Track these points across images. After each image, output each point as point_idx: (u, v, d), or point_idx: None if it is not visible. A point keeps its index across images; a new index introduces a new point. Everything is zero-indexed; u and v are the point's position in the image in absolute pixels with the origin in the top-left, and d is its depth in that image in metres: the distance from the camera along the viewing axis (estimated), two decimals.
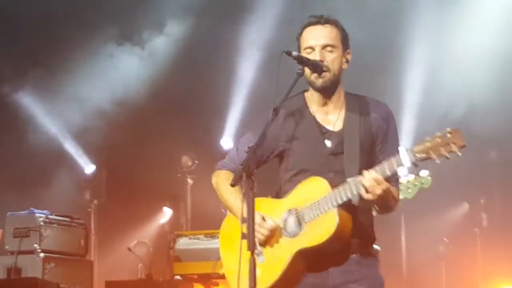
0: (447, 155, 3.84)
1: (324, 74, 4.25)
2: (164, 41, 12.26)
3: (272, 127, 4.30)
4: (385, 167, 3.98)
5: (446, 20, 11.20)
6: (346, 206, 4.10)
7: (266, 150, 4.41)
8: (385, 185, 3.99)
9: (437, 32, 11.21)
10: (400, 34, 11.21)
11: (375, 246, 4.43)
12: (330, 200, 4.09)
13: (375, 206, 4.16)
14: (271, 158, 4.47)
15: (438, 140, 3.85)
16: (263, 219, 4.26)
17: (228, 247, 4.39)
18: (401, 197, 6.81)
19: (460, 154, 3.84)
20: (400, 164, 3.95)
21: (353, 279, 4.22)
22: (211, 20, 11.81)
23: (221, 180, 4.38)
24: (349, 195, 4.05)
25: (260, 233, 4.22)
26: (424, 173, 7.05)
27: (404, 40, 11.20)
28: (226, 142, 12.23)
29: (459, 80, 11.07)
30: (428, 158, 3.89)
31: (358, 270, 4.23)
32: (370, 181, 3.98)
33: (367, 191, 4.00)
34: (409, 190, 6.89)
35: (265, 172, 4.56)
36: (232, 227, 4.37)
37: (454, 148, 3.83)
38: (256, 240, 4.22)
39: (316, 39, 4.29)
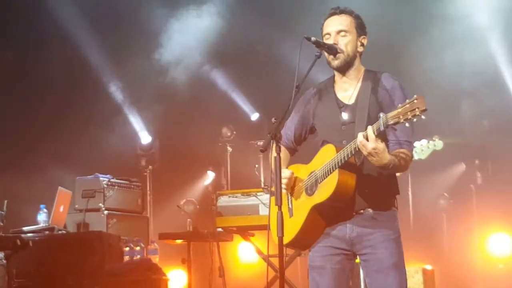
0: (413, 118, 3.89)
1: (338, 55, 4.45)
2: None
3: (306, 107, 4.60)
4: (370, 128, 4.09)
5: None
6: (351, 166, 4.28)
7: (304, 128, 4.70)
8: (375, 143, 4.05)
9: None
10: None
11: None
12: (334, 162, 4.28)
13: (382, 168, 4.22)
14: (308, 134, 4.71)
15: (407, 106, 3.92)
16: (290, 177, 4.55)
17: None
18: (416, 158, 7.69)
19: (423, 117, 3.88)
20: (379, 127, 4.05)
21: (367, 233, 4.38)
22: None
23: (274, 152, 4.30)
24: (347, 154, 4.20)
25: (283, 184, 4.45)
26: (436, 137, 7.71)
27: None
28: (255, 116, 12.54)
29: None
30: (398, 122, 3.96)
31: (372, 224, 4.37)
32: (359, 138, 4.11)
33: (362, 148, 4.12)
34: (423, 152, 7.72)
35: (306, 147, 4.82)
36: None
37: (417, 112, 3.88)
38: (287, 195, 4.53)
39: (332, 26, 4.52)
